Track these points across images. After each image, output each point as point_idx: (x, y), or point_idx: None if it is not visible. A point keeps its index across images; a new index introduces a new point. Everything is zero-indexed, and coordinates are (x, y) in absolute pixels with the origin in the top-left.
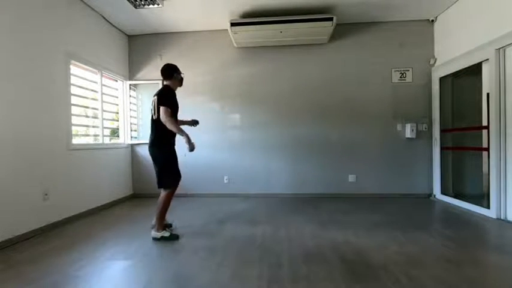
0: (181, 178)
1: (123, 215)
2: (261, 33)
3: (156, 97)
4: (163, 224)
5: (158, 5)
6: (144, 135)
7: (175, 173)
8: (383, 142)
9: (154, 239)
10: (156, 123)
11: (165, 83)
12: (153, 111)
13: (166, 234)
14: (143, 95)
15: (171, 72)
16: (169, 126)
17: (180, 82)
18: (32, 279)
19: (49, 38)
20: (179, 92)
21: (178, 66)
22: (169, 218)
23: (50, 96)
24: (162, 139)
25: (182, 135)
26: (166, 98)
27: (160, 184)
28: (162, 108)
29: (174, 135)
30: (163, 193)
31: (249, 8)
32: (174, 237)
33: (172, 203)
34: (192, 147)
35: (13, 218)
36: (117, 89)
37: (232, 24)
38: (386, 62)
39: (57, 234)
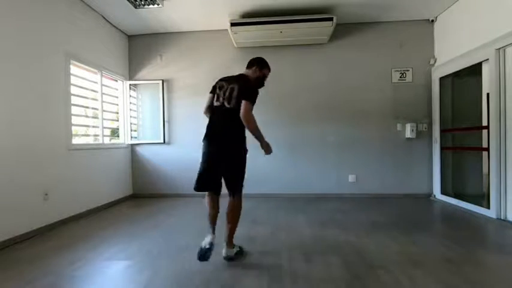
0: (181, 179)
1: (123, 215)
2: (261, 33)
3: (236, 85)
4: (232, 240)
5: (158, 5)
6: (144, 135)
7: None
8: (383, 142)
9: (229, 258)
10: (231, 113)
11: (245, 71)
12: (226, 99)
13: (237, 248)
14: (143, 95)
15: (255, 63)
16: (252, 127)
17: (261, 81)
18: (32, 279)
19: (49, 38)
20: (180, 93)
21: (179, 67)
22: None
23: (50, 96)
24: (242, 134)
25: (262, 141)
26: (254, 93)
27: (236, 189)
28: (246, 104)
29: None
30: (234, 201)
31: (249, 8)
32: (242, 253)
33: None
34: (270, 151)
35: (13, 218)
36: (117, 89)
37: (232, 24)
38: (387, 62)
39: (57, 234)
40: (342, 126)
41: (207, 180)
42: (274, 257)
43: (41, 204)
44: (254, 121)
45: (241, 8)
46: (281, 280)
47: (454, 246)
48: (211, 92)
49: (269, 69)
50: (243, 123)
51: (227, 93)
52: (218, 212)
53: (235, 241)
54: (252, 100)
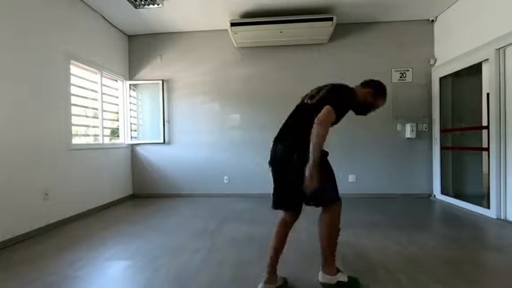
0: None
1: (123, 215)
2: (261, 33)
3: (328, 87)
4: (335, 262)
5: (158, 5)
6: (144, 135)
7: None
8: (383, 142)
9: (327, 285)
10: (308, 114)
11: (355, 86)
12: (310, 97)
13: (344, 278)
14: (143, 95)
15: (372, 86)
16: (316, 136)
17: (365, 108)
18: (32, 279)
19: (49, 38)
20: (180, 92)
21: (179, 67)
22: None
23: (50, 96)
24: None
25: (313, 159)
26: (342, 99)
27: (326, 200)
28: (327, 108)
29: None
30: (327, 215)
31: (249, 8)
32: (354, 284)
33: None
34: (310, 187)
35: (13, 218)
36: (117, 89)
37: (232, 24)
38: (387, 62)
39: (57, 234)
40: (342, 126)
41: None
42: None
43: (41, 204)
44: (323, 131)
45: (241, 8)
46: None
47: (454, 246)
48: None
49: (384, 101)
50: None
51: (314, 91)
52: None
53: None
54: (335, 106)
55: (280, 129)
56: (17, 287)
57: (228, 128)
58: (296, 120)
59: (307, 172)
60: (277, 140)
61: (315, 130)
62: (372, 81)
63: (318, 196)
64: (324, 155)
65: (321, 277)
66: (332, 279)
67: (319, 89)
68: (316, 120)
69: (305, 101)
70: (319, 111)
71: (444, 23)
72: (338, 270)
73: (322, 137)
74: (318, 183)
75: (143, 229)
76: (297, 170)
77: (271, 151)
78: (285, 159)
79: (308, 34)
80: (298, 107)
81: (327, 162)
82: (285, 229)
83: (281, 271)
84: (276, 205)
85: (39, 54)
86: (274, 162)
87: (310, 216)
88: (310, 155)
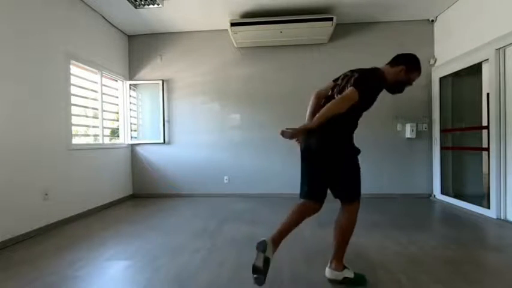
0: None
1: (123, 215)
2: (261, 33)
3: (356, 73)
4: (343, 259)
5: (158, 5)
6: (144, 135)
7: (359, 176)
8: (383, 142)
9: (333, 281)
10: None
11: (383, 67)
12: (337, 87)
13: (351, 274)
14: (143, 95)
15: (404, 61)
16: (328, 108)
17: (400, 86)
18: (32, 279)
19: (49, 38)
20: (180, 92)
21: (179, 67)
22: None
23: (50, 96)
24: (343, 128)
25: (310, 125)
26: (370, 86)
27: (348, 196)
28: (351, 89)
29: (354, 128)
30: (348, 212)
31: (249, 8)
32: (361, 280)
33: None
34: (283, 134)
35: (13, 218)
36: (117, 89)
37: (232, 24)
38: (387, 62)
39: (57, 234)
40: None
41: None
42: (274, 257)
43: (41, 204)
44: (339, 106)
45: (241, 8)
46: (281, 280)
47: (454, 246)
48: (334, 80)
49: (419, 73)
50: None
51: (343, 83)
52: None
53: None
54: (360, 87)
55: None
56: (17, 287)
57: (228, 128)
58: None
59: (296, 129)
60: (309, 132)
61: (331, 103)
62: (401, 56)
63: (347, 190)
64: (356, 152)
65: (328, 272)
66: (338, 275)
67: (348, 78)
68: (336, 96)
69: (335, 96)
70: (358, 107)
71: (444, 23)
72: (344, 267)
73: (332, 112)
74: (289, 136)
75: (143, 229)
76: (326, 163)
77: (304, 142)
78: (315, 152)
79: (308, 34)
80: (328, 98)
81: (357, 159)
82: (302, 215)
83: (283, 269)
84: (303, 195)
85: (39, 54)
86: (305, 153)
87: (311, 217)
88: (313, 119)
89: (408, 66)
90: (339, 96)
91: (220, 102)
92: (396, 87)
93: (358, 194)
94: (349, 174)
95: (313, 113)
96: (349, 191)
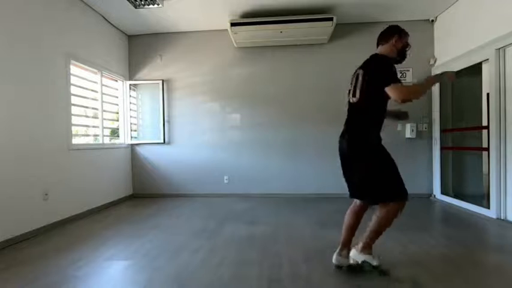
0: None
1: (123, 215)
2: (261, 33)
3: (361, 71)
4: (371, 247)
5: (158, 5)
6: (144, 135)
7: (399, 176)
8: (383, 142)
9: (352, 263)
10: (356, 109)
11: (378, 49)
12: (351, 92)
13: (374, 261)
14: (143, 95)
15: (391, 34)
16: (415, 96)
17: (400, 52)
18: (32, 279)
19: (49, 38)
20: (180, 92)
21: (179, 67)
22: None
23: (50, 96)
24: (365, 131)
25: (430, 84)
26: (389, 70)
27: (381, 197)
28: (391, 88)
29: (380, 126)
30: (385, 210)
31: (249, 8)
32: (381, 272)
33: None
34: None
35: (13, 218)
36: (117, 89)
37: (232, 24)
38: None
39: (57, 234)
40: (342, 125)
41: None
42: (274, 257)
43: (41, 204)
44: (410, 92)
45: (241, 8)
46: (281, 280)
47: (454, 246)
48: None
49: (407, 34)
50: (405, 101)
51: (353, 84)
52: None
53: None
54: (394, 80)
55: (344, 126)
56: (17, 287)
57: (228, 128)
58: (349, 119)
59: (441, 79)
60: (340, 137)
61: (409, 98)
62: (384, 32)
63: (368, 191)
64: (378, 142)
65: (352, 252)
66: (360, 257)
67: (356, 78)
68: (398, 99)
69: (350, 100)
70: (368, 105)
71: (444, 23)
72: (370, 254)
73: (410, 92)
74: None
75: (143, 229)
76: (353, 165)
77: (338, 146)
78: (345, 155)
79: (308, 34)
80: (348, 103)
81: (383, 152)
82: (355, 215)
83: (283, 268)
84: (350, 194)
85: (39, 54)
86: (340, 157)
87: (311, 217)
88: (426, 88)
89: (397, 33)
90: (397, 97)
91: (220, 102)
92: (400, 56)
93: (394, 195)
94: (381, 175)
95: (347, 122)
96: (381, 192)
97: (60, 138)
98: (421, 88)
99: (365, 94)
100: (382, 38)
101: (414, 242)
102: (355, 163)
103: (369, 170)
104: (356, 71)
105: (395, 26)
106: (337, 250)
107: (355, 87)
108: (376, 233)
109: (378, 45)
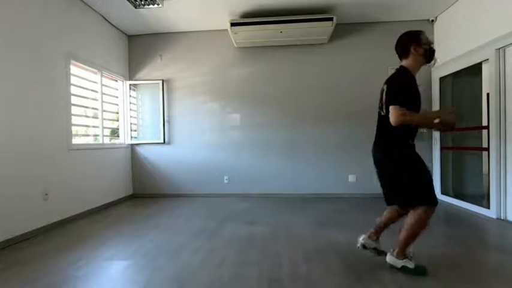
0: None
1: (123, 215)
2: (261, 33)
3: (385, 86)
4: (405, 251)
5: (158, 5)
6: (144, 135)
7: (429, 181)
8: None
9: (392, 267)
10: (384, 120)
11: (403, 62)
12: (380, 104)
13: (411, 264)
14: (143, 95)
15: (406, 47)
16: (408, 122)
17: (426, 55)
18: (32, 279)
19: (49, 38)
20: (180, 92)
21: (179, 67)
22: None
23: (50, 96)
24: (395, 141)
25: (435, 123)
26: (398, 90)
27: (410, 201)
28: (391, 109)
29: (413, 133)
30: (415, 214)
31: (249, 8)
32: (420, 271)
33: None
34: (449, 122)
35: (13, 218)
36: (117, 89)
37: (232, 24)
38: (387, 62)
39: (57, 234)
40: (342, 126)
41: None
42: (274, 257)
43: (41, 204)
44: (405, 121)
45: (241, 8)
46: (281, 280)
47: (454, 246)
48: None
49: (417, 38)
50: (400, 124)
51: (381, 97)
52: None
53: None
54: (397, 102)
55: (376, 134)
56: (17, 287)
57: (228, 128)
58: (379, 128)
59: (442, 121)
60: (373, 145)
61: (401, 125)
62: (399, 46)
63: (397, 195)
64: (409, 149)
65: (388, 258)
66: (398, 263)
67: (382, 92)
68: (392, 123)
69: (382, 113)
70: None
71: (444, 23)
72: (405, 257)
73: (405, 121)
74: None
75: (143, 229)
76: (385, 172)
77: (372, 154)
78: (377, 163)
79: (308, 34)
80: (378, 114)
81: (412, 158)
82: (396, 212)
83: (283, 268)
84: (386, 202)
85: (39, 54)
86: (374, 165)
87: (311, 217)
88: (427, 126)
89: (414, 40)
90: (394, 119)
91: (220, 102)
92: (428, 58)
93: (423, 200)
94: (410, 180)
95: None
96: (410, 196)
97: (60, 138)
98: (417, 120)
99: (388, 109)
100: (401, 54)
101: (414, 242)
102: (387, 170)
103: (399, 175)
104: (383, 85)
105: (404, 35)
106: (368, 233)
107: (382, 101)
108: (409, 238)
109: (399, 58)
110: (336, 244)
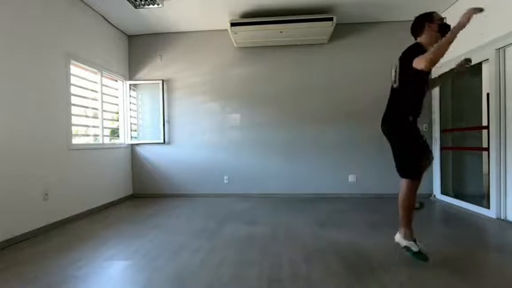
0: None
1: (123, 215)
2: (261, 33)
3: (398, 62)
4: (411, 228)
5: (158, 5)
6: (144, 135)
7: (416, 157)
8: (383, 142)
9: (398, 244)
10: (394, 94)
11: (418, 40)
12: (393, 78)
13: (415, 248)
14: (143, 95)
15: (421, 24)
16: (439, 56)
17: (440, 29)
18: (32, 279)
19: (49, 38)
20: (180, 92)
21: (179, 67)
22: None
23: (50, 96)
24: (397, 114)
25: (457, 31)
26: (418, 52)
27: (399, 171)
28: (417, 59)
29: (416, 111)
30: (403, 186)
31: (249, 8)
32: (421, 257)
33: (172, 203)
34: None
35: (13, 218)
36: (117, 89)
37: (232, 24)
38: (387, 62)
39: (57, 234)
40: (342, 126)
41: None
42: (274, 257)
43: (41, 204)
44: (434, 54)
45: (241, 8)
46: (281, 280)
47: (454, 246)
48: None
49: (429, 16)
50: (431, 66)
51: (394, 73)
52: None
53: None
54: (417, 56)
55: (385, 109)
56: (17, 287)
57: (228, 128)
58: (390, 103)
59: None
60: (382, 120)
61: (433, 60)
62: (414, 27)
63: (399, 168)
64: (411, 126)
65: (397, 236)
66: (402, 242)
67: (396, 67)
68: (425, 65)
69: (393, 86)
70: (403, 88)
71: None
72: (412, 239)
73: (435, 55)
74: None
75: (143, 229)
76: (391, 144)
77: (381, 129)
78: (386, 136)
79: (308, 34)
80: (391, 89)
81: (406, 133)
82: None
83: (283, 268)
84: (414, 171)
85: (39, 54)
86: (388, 139)
87: (311, 217)
88: (450, 40)
89: (427, 18)
90: (423, 62)
91: (220, 102)
92: (443, 32)
93: (407, 173)
94: (400, 152)
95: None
96: (399, 167)
97: (60, 138)
98: (444, 42)
99: (402, 79)
100: (416, 33)
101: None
102: (390, 141)
103: (394, 147)
104: (397, 61)
105: (418, 16)
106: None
107: (396, 73)
108: (402, 211)
109: (415, 39)
110: (336, 244)
